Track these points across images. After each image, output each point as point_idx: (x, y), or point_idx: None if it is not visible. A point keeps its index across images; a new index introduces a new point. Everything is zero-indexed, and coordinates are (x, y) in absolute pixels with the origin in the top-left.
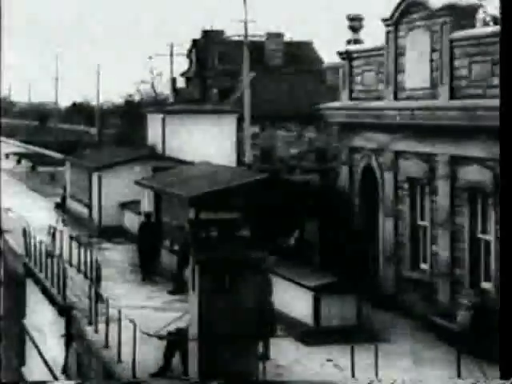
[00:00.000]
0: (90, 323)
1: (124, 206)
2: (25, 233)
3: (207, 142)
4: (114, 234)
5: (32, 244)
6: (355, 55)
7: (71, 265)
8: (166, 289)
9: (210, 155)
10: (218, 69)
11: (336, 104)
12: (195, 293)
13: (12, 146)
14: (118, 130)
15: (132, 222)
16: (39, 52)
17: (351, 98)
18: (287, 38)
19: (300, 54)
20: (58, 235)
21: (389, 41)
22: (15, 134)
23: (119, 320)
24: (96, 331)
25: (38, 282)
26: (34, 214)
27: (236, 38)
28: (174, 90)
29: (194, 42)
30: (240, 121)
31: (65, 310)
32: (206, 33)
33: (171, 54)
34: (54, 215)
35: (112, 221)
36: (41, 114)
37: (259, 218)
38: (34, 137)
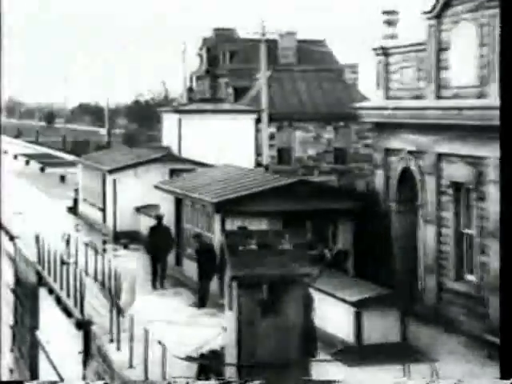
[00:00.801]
0: (111, 340)
1: (140, 210)
2: (37, 239)
3: (224, 143)
4: (129, 239)
5: (45, 251)
6: (392, 51)
7: (87, 274)
8: (190, 301)
9: (228, 156)
10: (229, 67)
11: (371, 103)
12: (233, 312)
13: (20, 146)
14: (127, 130)
15: (146, 225)
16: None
17: (387, 97)
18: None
19: (313, 53)
20: (72, 242)
21: (430, 35)
22: (23, 134)
23: (146, 340)
24: (118, 349)
25: (52, 291)
26: (45, 217)
27: (248, 36)
28: (190, 88)
29: (205, 40)
30: (257, 121)
31: (83, 324)
32: (216, 31)
33: (184, 52)
34: (66, 219)
35: (127, 226)
36: (48, 115)
37: (294, 226)
38: (41, 137)
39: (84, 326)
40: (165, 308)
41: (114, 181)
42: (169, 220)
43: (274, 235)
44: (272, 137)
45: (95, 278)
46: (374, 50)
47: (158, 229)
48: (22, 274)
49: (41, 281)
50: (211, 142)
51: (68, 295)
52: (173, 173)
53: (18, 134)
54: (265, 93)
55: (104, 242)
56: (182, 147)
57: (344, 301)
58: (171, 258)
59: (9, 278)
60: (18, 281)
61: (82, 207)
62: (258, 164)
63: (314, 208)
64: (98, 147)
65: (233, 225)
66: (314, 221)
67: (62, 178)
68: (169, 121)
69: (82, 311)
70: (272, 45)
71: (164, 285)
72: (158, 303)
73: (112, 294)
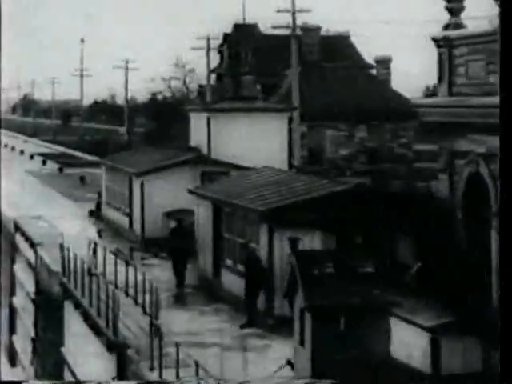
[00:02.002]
0: (151, 369)
1: (170, 215)
2: (62, 248)
3: (256, 143)
4: (159, 247)
5: (69, 259)
6: (457, 42)
7: (116, 286)
8: (232, 318)
9: (260, 157)
10: (253, 64)
11: (433, 100)
12: (305, 348)
13: (36, 145)
14: (147, 128)
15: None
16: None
17: (451, 94)
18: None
19: (337, 48)
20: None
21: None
22: (38, 133)
23: (197, 372)
24: (161, 378)
25: (78, 306)
26: (66, 222)
27: (273, 32)
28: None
29: (226, 36)
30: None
31: (116, 347)
32: (237, 27)
33: (208, 49)
34: (89, 224)
35: (156, 232)
36: (64, 113)
37: (351, 238)
38: (58, 136)
39: (117, 348)
40: (207, 328)
41: (142, 184)
42: (206, 228)
43: (354, 256)
44: (302, 136)
45: (126, 292)
46: (435, 40)
47: (179, 231)
48: (44, 284)
49: (66, 293)
50: (242, 142)
51: (99, 313)
52: (204, 175)
53: (34, 133)
54: (296, 90)
55: (131, 250)
56: (212, 148)
57: (419, 326)
58: (209, 270)
59: (29, 286)
60: (40, 291)
61: (106, 211)
62: (292, 165)
63: (373, 217)
64: (117, 147)
65: (282, 236)
66: (374, 231)
67: (82, 179)
68: (197, 120)
69: (115, 332)
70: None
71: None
72: (199, 322)
73: (148, 311)
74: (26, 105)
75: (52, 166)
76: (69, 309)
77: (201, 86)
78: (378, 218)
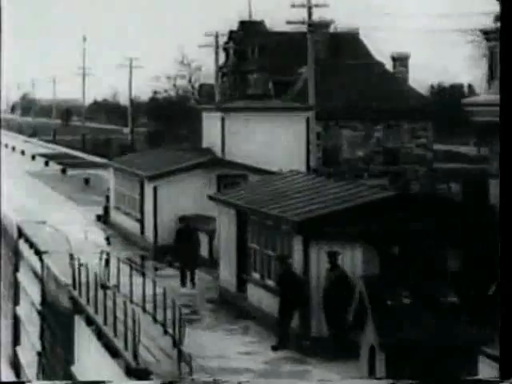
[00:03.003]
0: None
1: (185, 221)
2: (72, 258)
3: (273, 144)
4: (173, 256)
5: (79, 270)
6: None
7: (132, 301)
8: (262, 338)
9: (277, 159)
10: (260, 62)
11: (485, 98)
12: None
13: (36, 146)
14: (151, 128)
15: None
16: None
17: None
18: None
19: (346, 46)
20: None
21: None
22: (38, 133)
23: None
24: None
25: (91, 322)
26: (72, 227)
27: (277, 29)
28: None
29: (232, 33)
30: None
31: (137, 372)
32: (243, 24)
33: (217, 46)
34: (97, 230)
35: (170, 240)
36: (64, 112)
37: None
38: (58, 136)
39: (138, 374)
40: (236, 350)
41: (155, 188)
42: (228, 237)
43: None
44: (317, 136)
45: (143, 308)
46: (485, 33)
47: (185, 232)
48: (52, 295)
49: (76, 307)
50: (257, 143)
51: (115, 333)
52: (220, 179)
53: (34, 133)
54: (312, 88)
55: (142, 258)
56: (226, 149)
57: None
58: (232, 283)
59: (34, 296)
60: (46, 303)
61: (114, 216)
62: (309, 168)
63: (422, 229)
64: (121, 147)
65: (319, 249)
66: (422, 246)
67: (86, 182)
68: (210, 120)
69: (135, 355)
70: (301, 37)
71: (195, 285)
72: (226, 343)
73: (170, 331)
74: (26, 104)
75: (54, 167)
76: (80, 324)
77: (201, 86)
78: (429, 230)
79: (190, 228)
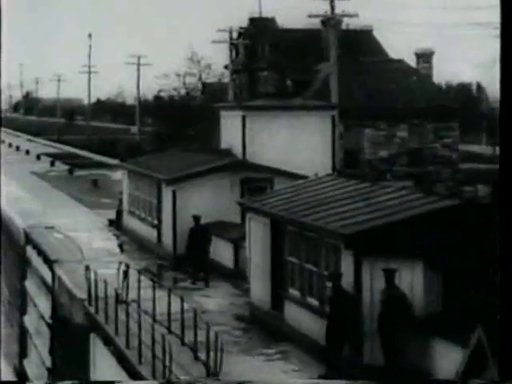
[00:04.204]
0: None
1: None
2: (87, 270)
3: (297, 145)
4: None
5: (96, 284)
6: None
7: (155, 319)
8: (306, 365)
9: (301, 161)
10: (270, 59)
11: None
12: None
13: (41, 145)
14: (159, 128)
15: (216, 248)
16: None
17: None
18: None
19: (360, 43)
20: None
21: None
22: (42, 132)
23: None
24: None
25: (109, 342)
26: (83, 233)
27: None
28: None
29: (241, 30)
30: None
31: None
32: (253, 20)
33: (231, 42)
34: (110, 236)
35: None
36: (67, 111)
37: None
38: (63, 135)
39: None
40: (280, 378)
41: (174, 192)
42: (261, 248)
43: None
44: (340, 136)
45: (169, 328)
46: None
47: (196, 229)
48: (64, 309)
49: (91, 323)
50: (281, 144)
51: (140, 360)
52: (244, 183)
53: (38, 132)
54: (335, 86)
55: (159, 268)
56: (247, 150)
57: None
58: (265, 300)
59: (43, 307)
60: (57, 316)
61: (128, 221)
62: (336, 170)
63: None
64: (128, 147)
65: (372, 266)
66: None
67: (95, 183)
68: (229, 119)
69: None
70: (313, 34)
71: (208, 284)
72: (267, 371)
73: (202, 356)
74: (29, 103)
75: (60, 167)
76: (96, 343)
77: (204, 85)
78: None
79: (200, 225)
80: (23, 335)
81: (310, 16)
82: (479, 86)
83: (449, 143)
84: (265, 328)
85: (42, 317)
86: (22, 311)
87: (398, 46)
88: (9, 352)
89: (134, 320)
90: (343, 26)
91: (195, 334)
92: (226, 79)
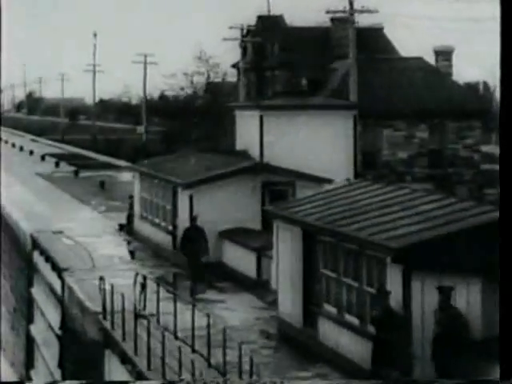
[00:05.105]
0: None
1: (224, 235)
2: (102, 282)
3: (317, 146)
4: (212, 274)
5: (112, 297)
6: None
7: (176, 336)
8: None
9: (321, 163)
10: (279, 59)
11: None
12: None
13: (45, 145)
14: (166, 128)
15: (236, 257)
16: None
17: None
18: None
19: (370, 42)
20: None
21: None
22: (46, 132)
23: None
24: None
25: (127, 361)
26: (92, 238)
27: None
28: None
29: (249, 28)
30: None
31: None
32: (261, 18)
33: (242, 40)
34: (121, 242)
35: (210, 256)
36: (71, 111)
37: None
38: (66, 135)
39: None
40: None
41: (191, 197)
42: (291, 259)
43: None
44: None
45: (192, 347)
46: None
47: (192, 230)
48: (75, 321)
49: (107, 339)
50: (300, 145)
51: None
52: (265, 187)
53: (41, 132)
54: (354, 84)
55: (175, 277)
56: (265, 152)
57: None
58: (296, 316)
59: (52, 317)
60: (67, 327)
61: (140, 226)
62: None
63: None
64: (135, 147)
65: (424, 283)
66: None
67: (102, 185)
68: (244, 119)
69: None
70: (322, 33)
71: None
72: None
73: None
74: (32, 102)
75: (66, 168)
76: (111, 360)
77: (209, 84)
78: None
79: (196, 226)
80: (30, 344)
81: (328, 12)
82: (486, 86)
83: (470, 144)
84: (296, 347)
85: (51, 327)
86: (29, 319)
87: (411, 42)
88: (15, 361)
89: (153, 337)
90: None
91: (224, 355)
92: (230, 78)
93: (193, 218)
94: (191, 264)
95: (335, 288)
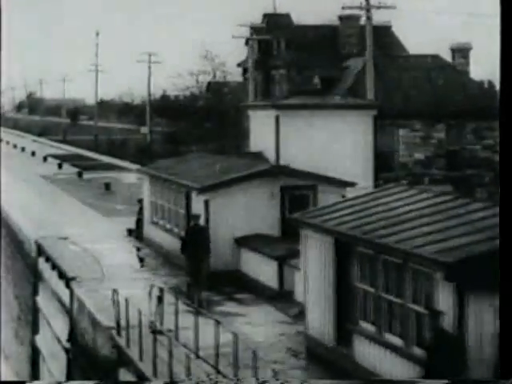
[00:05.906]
0: None
1: (241, 242)
2: (115, 293)
3: (335, 147)
4: (229, 284)
5: (127, 312)
6: None
7: (198, 355)
8: None
9: (341, 165)
10: (286, 57)
11: None
12: None
13: (46, 146)
14: (170, 128)
15: (255, 265)
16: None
17: None
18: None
19: (378, 40)
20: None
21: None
22: (47, 132)
23: None
24: None
25: (143, 379)
26: (100, 244)
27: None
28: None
29: (255, 26)
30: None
31: None
32: (267, 16)
33: (251, 38)
34: (131, 248)
35: (224, 264)
36: (71, 111)
37: None
38: (69, 136)
39: None
40: None
41: (207, 202)
42: (322, 272)
43: None
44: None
45: (216, 367)
46: None
47: (194, 229)
48: (85, 335)
49: (121, 356)
50: (318, 146)
51: None
52: (284, 191)
53: (42, 133)
54: (370, 83)
55: (189, 286)
56: (281, 153)
57: None
58: (327, 333)
59: (58, 328)
60: (75, 341)
61: (150, 232)
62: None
63: None
64: (139, 148)
65: (480, 303)
66: None
67: (107, 187)
68: (259, 119)
69: None
70: (328, 31)
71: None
72: None
73: None
74: (33, 103)
75: (69, 169)
76: (126, 378)
77: (210, 83)
78: None
79: (199, 225)
80: (35, 355)
81: (344, 8)
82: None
83: (490, 144)
84: (329, 368)
85: (58, 339)
86: (34, 330)
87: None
88: (20, 372)
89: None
90: (360, 22)
91: (257, 379)
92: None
93: (196, 217)
94: (193, 269)
95: (374, 304)
